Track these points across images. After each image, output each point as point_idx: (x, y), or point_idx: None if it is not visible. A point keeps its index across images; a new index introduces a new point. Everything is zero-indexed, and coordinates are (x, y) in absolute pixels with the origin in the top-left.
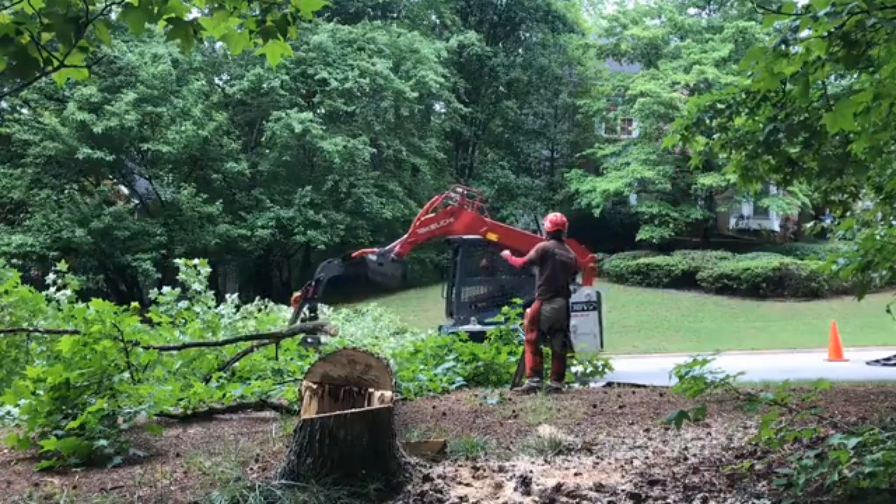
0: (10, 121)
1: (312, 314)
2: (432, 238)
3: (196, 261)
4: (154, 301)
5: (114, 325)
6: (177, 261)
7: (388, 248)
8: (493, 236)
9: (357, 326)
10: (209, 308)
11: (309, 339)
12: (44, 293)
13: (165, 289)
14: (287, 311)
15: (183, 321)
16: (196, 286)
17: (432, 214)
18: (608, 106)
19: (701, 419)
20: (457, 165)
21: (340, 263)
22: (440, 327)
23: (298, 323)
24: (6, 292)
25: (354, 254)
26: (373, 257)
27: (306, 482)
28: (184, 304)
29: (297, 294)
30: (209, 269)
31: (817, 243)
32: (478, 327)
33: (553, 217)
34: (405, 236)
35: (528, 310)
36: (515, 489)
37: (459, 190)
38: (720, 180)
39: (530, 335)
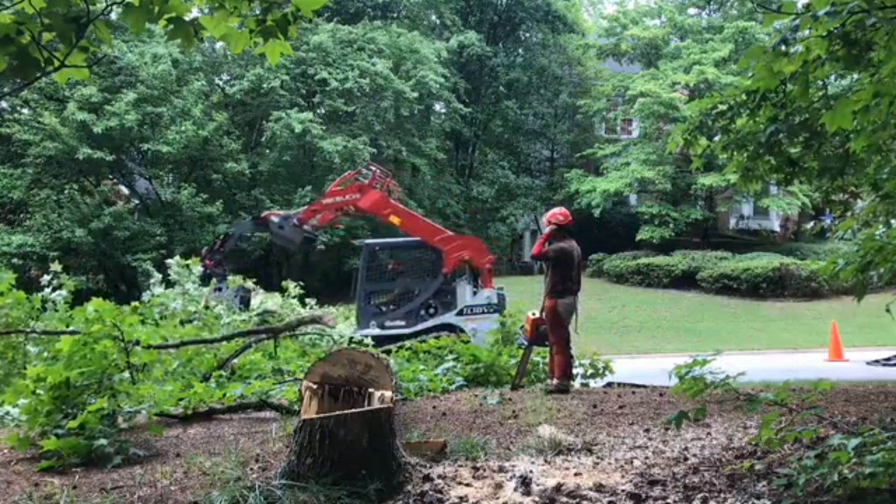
0: (10, 121)
1: (221, 277)
2: (337, 210)
3: (189, 261)
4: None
5: (114, 325)
6: (169, 260)
7: (292, 213)
8: (395, 220)
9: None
10: (207, 308)
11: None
12: (40, 294)
13: (157, 289)
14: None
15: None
16: (189, 285)
17: (342, 187)
18: (608, 106)
19: (701, 419)
20: (457, 165)
21: (251, 222)
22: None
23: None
24: (1, 294)
25: (263, 214)
26: (275, 220)
27: (306, 482)
28: (178, 303)
29: (205, 249)
30: (202, 268)
31: (817, 243)
32: (376, 331)
33: (563, 210)
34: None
35: (539, 311)
36: (515, 489)
37: (373, 168)
38: (720, 180)
39: (560, 332)
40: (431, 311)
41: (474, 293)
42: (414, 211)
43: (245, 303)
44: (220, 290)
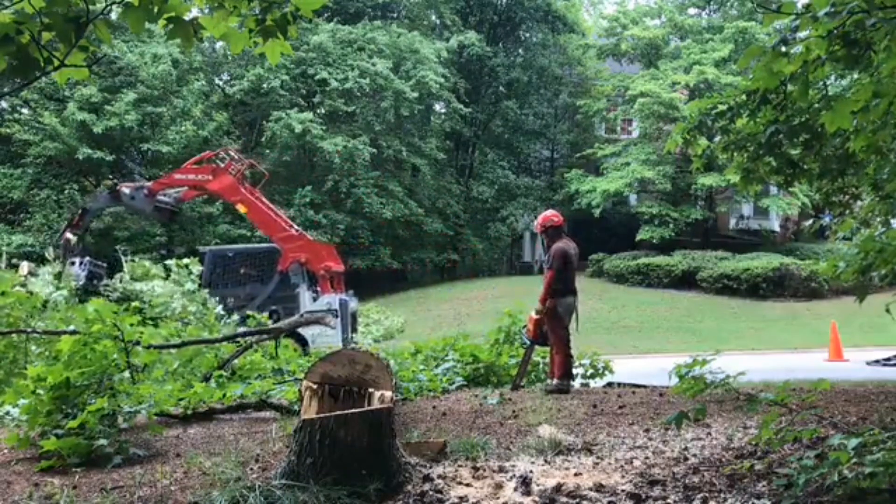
0: (10, 121)
1: (80, 252)
2: (188, 188)
3: (187, 260)
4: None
5: (114, 325)
6: (168, 262)
7: (146, 184)
8: (242, 208)
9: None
10: (207, 308)
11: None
12: (42, 293)
13: (158, 290)
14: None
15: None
16: (188, 285)
17: (198, 166)
18: (608, 106)
19: (701, 419)
20: (457, 165)
21: (106, 195)
22: None
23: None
24: (3, 293)
25: (116, 187)
26: (126, 191)
27: (306, 482)
28: (179, 303)
29: (64, 224)
30: (201, 268)
31: (817, 243)
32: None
33: (553, 212)
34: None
35: (538, 312)
36: (515, 489)
37: (232, 153)
38: (720, 180)
39: (560, 332)
40: (275, 316)
41: (314, 299)
42: (266, 204)
43: (95, 278)
44: (74, 263)
